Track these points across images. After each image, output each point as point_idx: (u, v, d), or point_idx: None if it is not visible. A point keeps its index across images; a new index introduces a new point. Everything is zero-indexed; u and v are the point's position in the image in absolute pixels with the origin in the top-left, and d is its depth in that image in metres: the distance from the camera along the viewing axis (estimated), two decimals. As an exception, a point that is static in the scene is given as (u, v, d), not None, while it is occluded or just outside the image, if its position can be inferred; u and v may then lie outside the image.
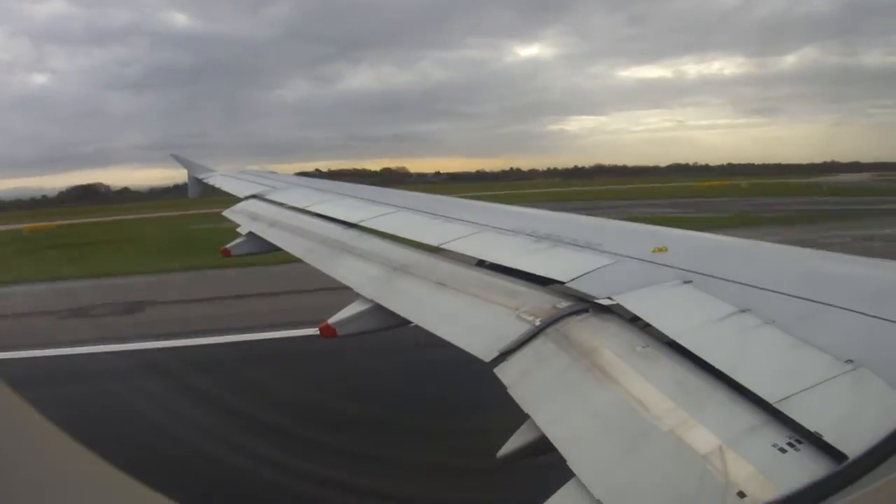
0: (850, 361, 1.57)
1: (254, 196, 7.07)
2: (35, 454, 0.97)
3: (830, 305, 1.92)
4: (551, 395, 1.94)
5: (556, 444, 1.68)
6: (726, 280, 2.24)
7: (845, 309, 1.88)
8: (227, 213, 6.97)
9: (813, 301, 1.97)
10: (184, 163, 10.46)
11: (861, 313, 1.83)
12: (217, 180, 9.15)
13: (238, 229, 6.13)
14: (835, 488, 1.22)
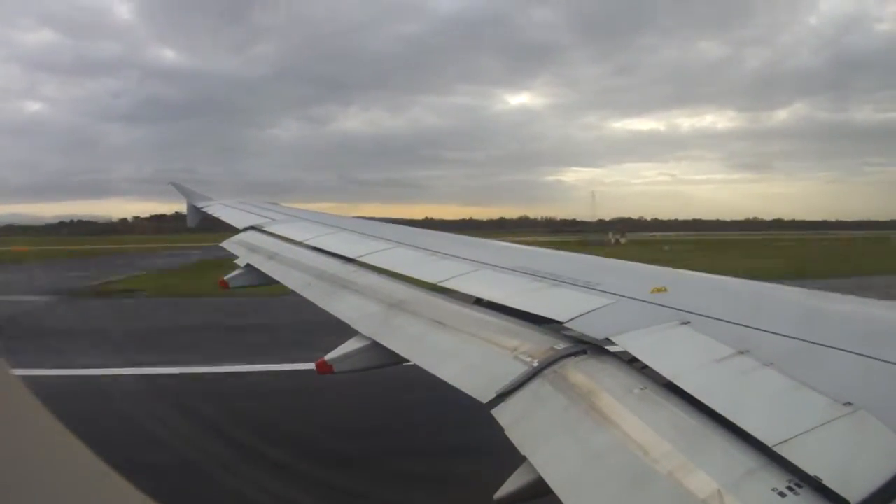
0: (848, 404, 1.57)
1: (252, 227, 7.09)
2: (40, 454, 0.97)
3: (829, 347, 1.92)
4: (549, 437, 1.92)
5: (554, 487, 1.67)
6: (725, 321, 2.25)
7: (844, 350, 1.88)
8: (225, 244, 6.98)
9: (812, 342, 1.97)
10: (183, 191, 10.45)
11: (860, 354, 1.84)
12: (216, 209, 9.12)
13: (236, 261, 6.13)
14: None
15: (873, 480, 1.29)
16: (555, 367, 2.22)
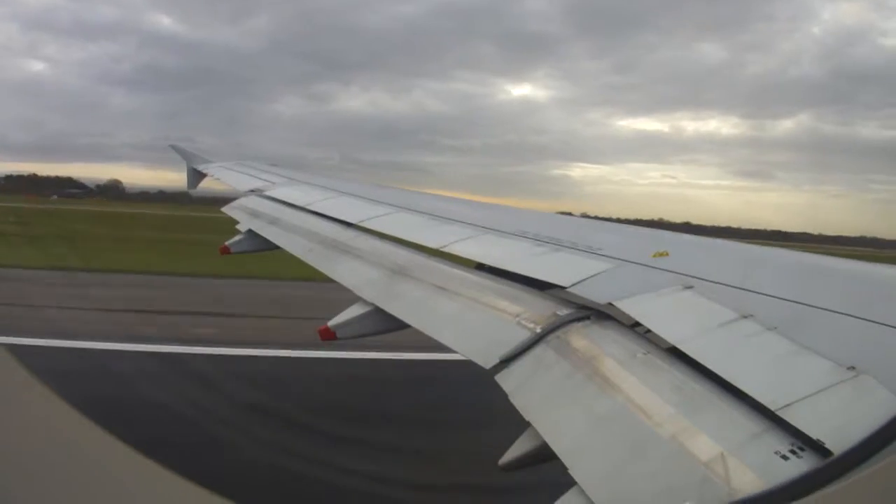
0: (851, 368, 1.57)
1: (253, 192, 7.03)
2: (51, 437, 0.98)
3: (832, 311, 1.92)
4: (552, 403, 1.94)
5: (558, 452, 1.68)
6: (728, 285, 2.24)
7: (847, 314, 1.88)
8: (226, 209, 6.92)
9: (815, 307, 1.97)
10: (182, 153, 10.29)
11: (863, 319, 1.83)
12: (215, 171, 8.98)
13: (237, 226, 6.11)
14: (819, 484, 1.22)
15: (862, 433, 1.30)
16: (558, 333, 2.23)
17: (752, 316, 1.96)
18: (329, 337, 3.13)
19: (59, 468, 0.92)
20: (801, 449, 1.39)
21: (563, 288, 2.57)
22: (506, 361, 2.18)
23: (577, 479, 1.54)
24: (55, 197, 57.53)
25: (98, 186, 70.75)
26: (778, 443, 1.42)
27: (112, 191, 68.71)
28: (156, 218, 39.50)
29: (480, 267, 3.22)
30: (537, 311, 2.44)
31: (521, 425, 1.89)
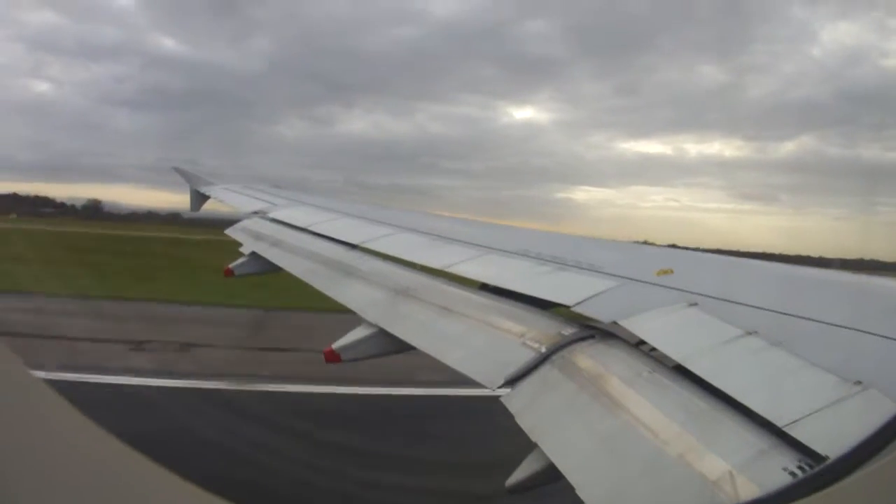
0: (858, 383, 1.57)
1: (256, 213, 7.05)
2: (70, 449, 0.98)
3: (839, 326, 1.91)
4: (559, 423, 1.93)
5: (565, 473, 1.68)
6: (732, 302, 2.24)
7: (853, 329, 1.87)
8: (229, 231, 6.93)
9: (820, 322, 1.97)
10: (186, 176, 10.29)
11: (869, 333, 1.83)
12: (218, 193, 9.00)
13: (241, 248, 6.12)
14: (815, 488, 1.22)
15: (857, 437, 1.30)
16: (563, 353, 2.22)
17: (756, 332, 1.96)
18: (334, 360, 3.12)
19: (59, 468, 0.92)
20: (810, 465, 1.38)
21: (567, 307, 2.58)
22: (511, 382, 2.18)
23: (584, 498, 1.54)
24: (14, 216, 57.58)
25: (74, 206, 71.59)
26: (786, 459, 1.42)
27: (88, 211, 69.44)
28: (96, 238, 39.22)
29: (484, 287, 3.22)
30: (542, 330, 2.44)
31: (528, 446, 1.88)
